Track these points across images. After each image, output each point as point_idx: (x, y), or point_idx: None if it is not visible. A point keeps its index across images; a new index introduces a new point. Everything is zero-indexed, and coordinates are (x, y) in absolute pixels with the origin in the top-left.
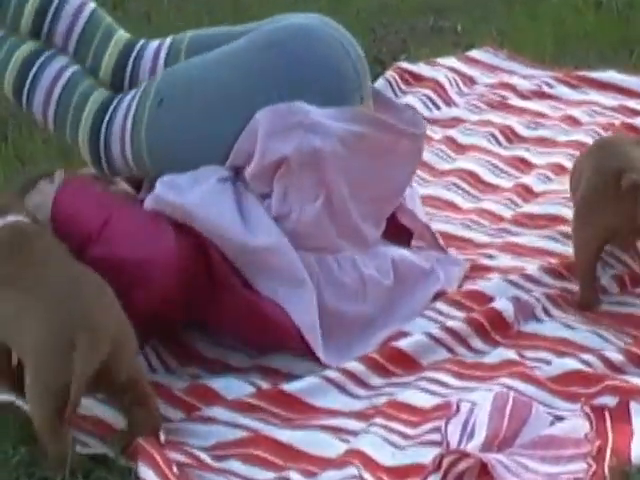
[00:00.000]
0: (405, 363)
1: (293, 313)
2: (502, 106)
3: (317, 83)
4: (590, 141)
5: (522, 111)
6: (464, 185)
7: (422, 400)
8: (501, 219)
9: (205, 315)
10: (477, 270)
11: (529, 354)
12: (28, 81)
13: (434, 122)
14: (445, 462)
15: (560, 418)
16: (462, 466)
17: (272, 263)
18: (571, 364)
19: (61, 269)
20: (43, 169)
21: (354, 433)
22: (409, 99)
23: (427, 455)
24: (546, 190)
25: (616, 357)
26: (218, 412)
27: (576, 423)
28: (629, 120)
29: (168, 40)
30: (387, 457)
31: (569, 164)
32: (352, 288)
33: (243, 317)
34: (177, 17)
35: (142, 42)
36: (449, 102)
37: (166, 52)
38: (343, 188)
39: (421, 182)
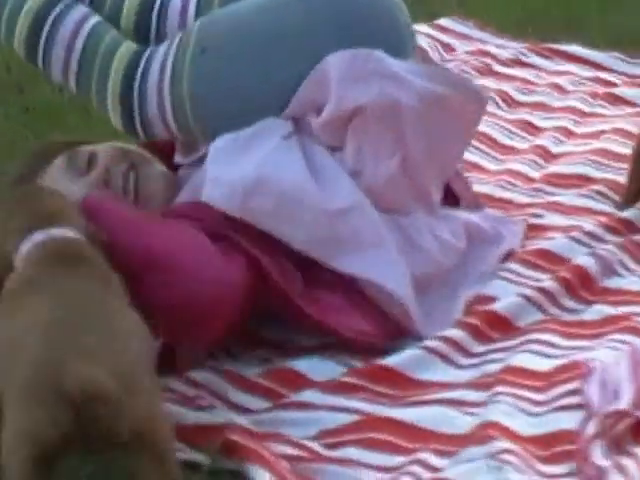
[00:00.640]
0: (502, 327)
1: (384, 280)
2: (489, 72)
3: (381, 33)
4: (584, 107)
5: (509, 78)
6: (483, 147)
7: (538, 364)
8: (532, 180)
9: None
10: (533, 230)
11: (624, 309)
12: (43, 36)
13: None
14: (602, 424)
15: None
16: (622, 426)
17: (355, 226)
18: None
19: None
20: (59, 140)
21: (478, 405)
22: None
23: (570, 420)
24: (564, 152)
25: None
26: (313, 396)
27: None
28: (610, 90)
29: None
30: (524, 426)
31: (575, 128)
32: (431, 252)
33: (305, 327)
34: None
35: None
36: None
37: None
38: (420, 147)
39: None
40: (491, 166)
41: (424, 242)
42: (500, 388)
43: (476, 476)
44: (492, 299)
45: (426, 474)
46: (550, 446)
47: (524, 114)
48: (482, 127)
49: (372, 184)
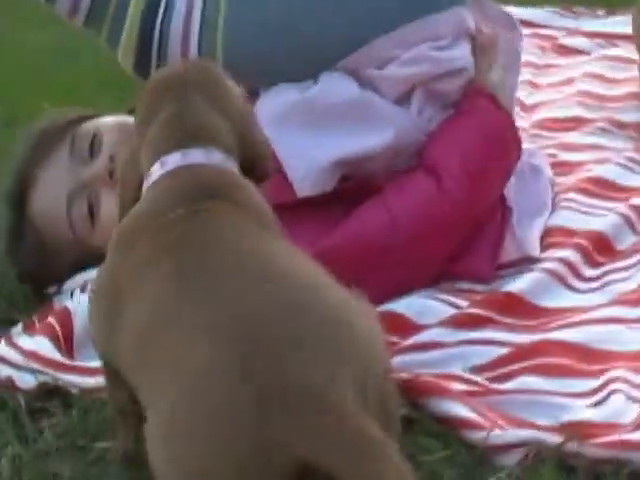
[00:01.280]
0: (606, 250)
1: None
2: None
3: None
4: (537, 60)
5: None
6: None
7: None
8: (522, 129)
9: None
10: (558, 167)
11: None
12: None
13: None
14: None
15: None
16: None
17: None
18: None
19: (274, 287)
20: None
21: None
22: None
23: None
24: (539, 102)
25: None
26: (440, 334)
27: None
28: (556, 42)
29: None
30: None
31: (538, 80)
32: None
33: None
34: None
35: None
36: None
37: None
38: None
39: None
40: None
41: None
42: None
43: None
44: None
45: (634, 391)
46: None
47: None
48: None
49: None
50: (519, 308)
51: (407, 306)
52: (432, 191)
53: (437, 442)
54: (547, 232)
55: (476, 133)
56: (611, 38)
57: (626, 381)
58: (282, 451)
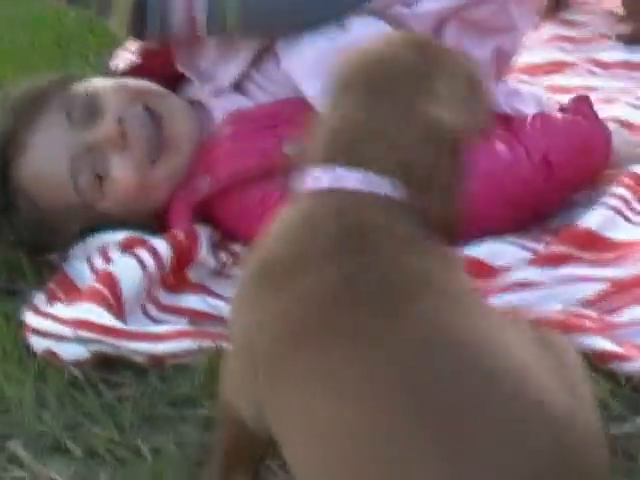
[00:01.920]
0: None
1: None
2: None
3: None
4: None
5: None
6: None
7: None
8: None
9: None
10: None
11: None
12: None
13: None
14: None
15: None
16: None
17: None
18: None
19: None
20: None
21: None
22: None
23: None
24: None
25: None
26: (528, 274)
27: None
28: None
29: None
30: None
31: None
32: None
33: None
34: None
35: None
36: None
37: None
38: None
39: None
40: None
41: None
42: None
43: None
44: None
45: None
46: None
47: None
48: None
49: None
50: (595, 243)
51: (483, 250)
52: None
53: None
54: None
55: (570, 134)
56: None
57: None
58: None
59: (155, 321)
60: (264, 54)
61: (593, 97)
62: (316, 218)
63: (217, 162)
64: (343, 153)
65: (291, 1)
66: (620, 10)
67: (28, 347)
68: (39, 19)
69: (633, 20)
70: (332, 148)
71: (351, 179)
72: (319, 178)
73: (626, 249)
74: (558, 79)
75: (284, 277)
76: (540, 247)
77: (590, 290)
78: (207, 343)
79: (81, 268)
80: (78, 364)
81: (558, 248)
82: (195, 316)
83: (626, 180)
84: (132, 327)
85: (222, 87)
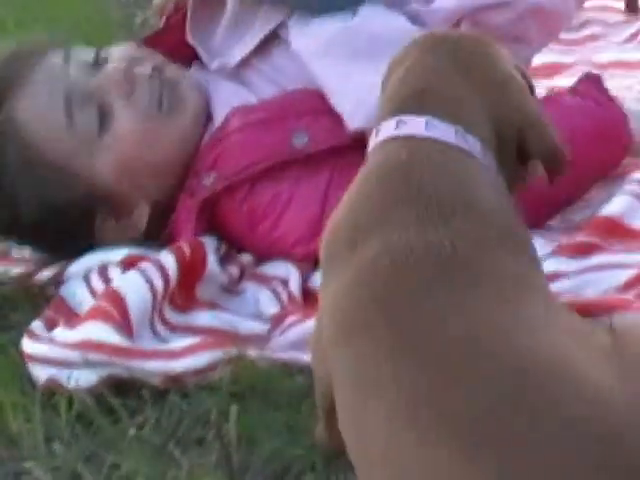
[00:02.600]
0: None
1: None
2: None
3: None
4: None
5: None
6: None
7: None
8: None
9: None
10: None
11: None
12: None
13: None
14: None
15: None
16: None
17: None
18: None
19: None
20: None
21: None
22: None
23: None
24: None
25: None
26: (553, 264)
27: None
28: None
29: None
30: None
31: None
32: None
33: None
34: None
35: None
36: None
37: None
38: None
39: None
40: None
41: None
42: None
43: None
44: None
45: None
46: None
47: None
48: None
49: None
50: (619, 231)
51: None
52: None
53: None
54: None
55: (584, 117)
56: None
57: None
58: None
59: (166, 342)
60: (271, 41)
61: None
62: (391, 177)
63: (222, 157)
64: (412, 101)
65: None
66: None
67: (31, 378)
68: None
69: None
70: (400, 98)
71: (440, 129)
72: (388, 128)
73: None
74: (559, 80)
75: (356, 244)
76: (563, 240)
77: (623, 276)
78: (228, 352)
79: (79, 291)
80: (87, 391)
81: (583, 238)
82: (208, 334)
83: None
84: (145, 345)
85: (229, 64)
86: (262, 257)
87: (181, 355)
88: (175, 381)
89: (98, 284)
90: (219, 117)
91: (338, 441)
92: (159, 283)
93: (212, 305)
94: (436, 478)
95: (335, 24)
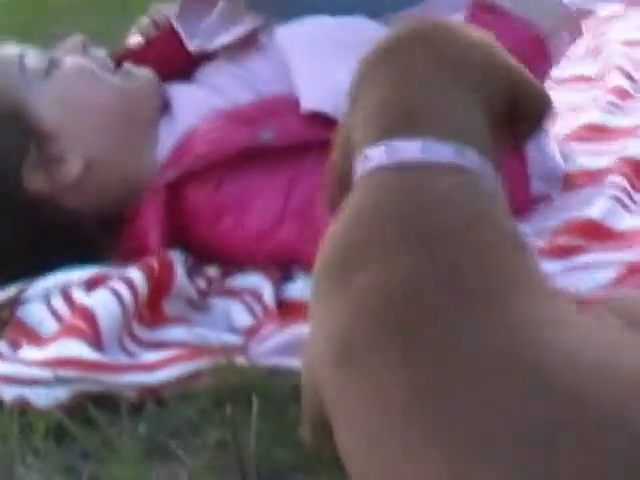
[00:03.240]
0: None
1: None
2: None
3: None
4: None
5: None
6: None
7: None
8: None
9: None
10: None
11: None
12: None
13: None
14: None
15: None
16: None
17: None
18: None
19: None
20: None
21: None
22: None
23: None
24: None
25: None
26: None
27: None
28: None
29: None
30: None
31: None
32: None
33: None
34: None
35: None
36: None
37: None
38: None
39: None
40: None
41: None
42: None
43: None
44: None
45: None
46: None
47: None
48: None
49: None
50: (600, 232)
51: None
52: None
53: None
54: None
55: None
56: None
57: None
58: None
59: (136, 357)
60: (252, 44)
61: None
62: (383, 202)
63: (187, 153)
64: (401, 123)
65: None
66: None
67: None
68: None
69: None
70: (387, 120)
71: (435, 150)
72: (379, 155)
73: (633, 237)
74: None
75: (356, 268)
76: (542, 243)
77: (606, 275)
78: (214, 360)
79: (38, 312)
80: (58, 408)
81: (565, 240)
82: (181, 347)
83: (623, 169)
84: (119, 359)
85: (207, 48)
86: (227, 259)
87: (157, 367)
88: (153, 392)
89: (59, 305)
90: (182, 118)
91: (323, 444)
92: (128, 299)
93: (182, 320)
94: None
95: (320, 18)
